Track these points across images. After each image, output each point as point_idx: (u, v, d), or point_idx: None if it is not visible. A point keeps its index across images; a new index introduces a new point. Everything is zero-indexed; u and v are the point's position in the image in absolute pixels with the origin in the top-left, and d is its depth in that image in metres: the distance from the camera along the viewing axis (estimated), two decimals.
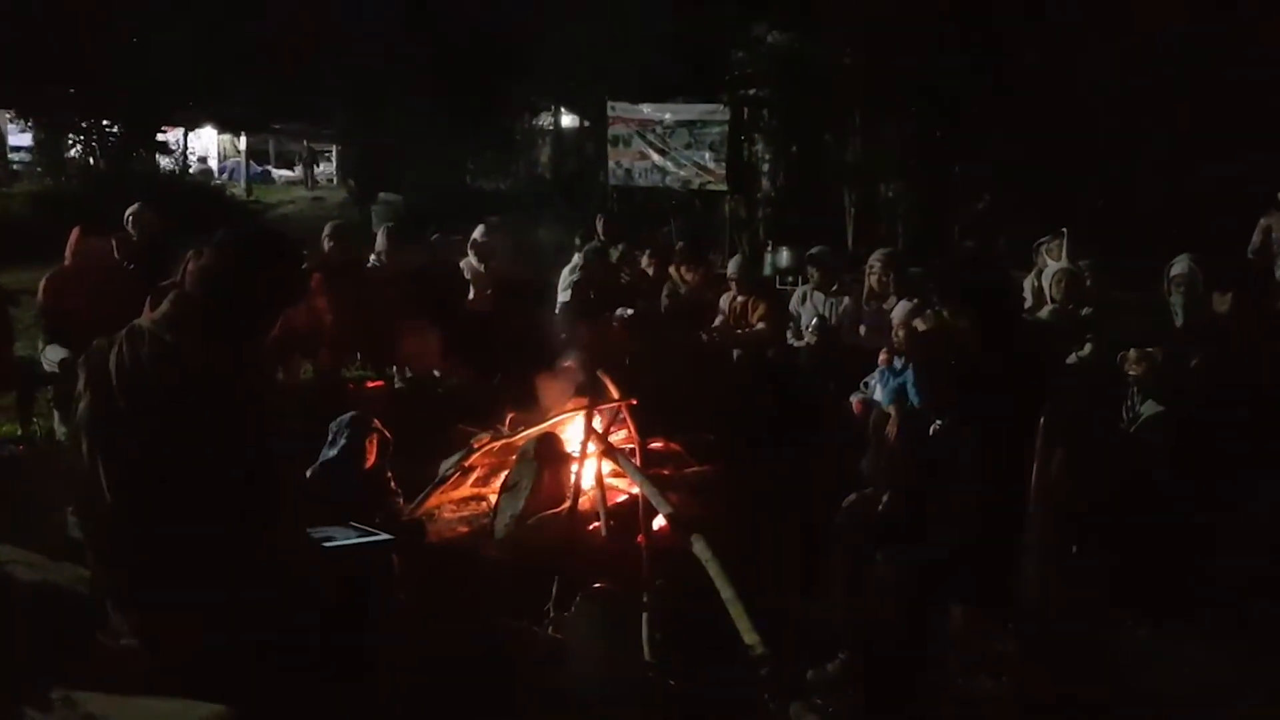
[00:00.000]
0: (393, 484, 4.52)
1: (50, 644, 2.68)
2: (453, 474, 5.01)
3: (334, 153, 32.44)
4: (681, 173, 14.01)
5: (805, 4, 16.20)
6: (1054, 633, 3.48)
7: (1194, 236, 6.85)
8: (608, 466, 4.74)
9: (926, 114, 15.28)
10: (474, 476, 5.12)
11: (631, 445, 5.03)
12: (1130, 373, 4.66)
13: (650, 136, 14.05)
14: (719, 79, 17.40)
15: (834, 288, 7.22)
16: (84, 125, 21.47)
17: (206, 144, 33.11)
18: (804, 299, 7.29)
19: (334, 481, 4.13)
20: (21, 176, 22.99)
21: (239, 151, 32.00)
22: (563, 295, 8.29)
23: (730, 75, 17.59)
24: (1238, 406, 4.19)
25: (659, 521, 4.28)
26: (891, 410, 5.18)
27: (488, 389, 6.54)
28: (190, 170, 27.08)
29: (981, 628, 3.56)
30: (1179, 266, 5.55)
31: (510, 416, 5.41)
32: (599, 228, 9.80)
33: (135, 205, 7.37)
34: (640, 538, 4.22)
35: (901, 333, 5.55)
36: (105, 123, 21.60)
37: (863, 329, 6.79)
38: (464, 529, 4.71)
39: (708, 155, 13.79)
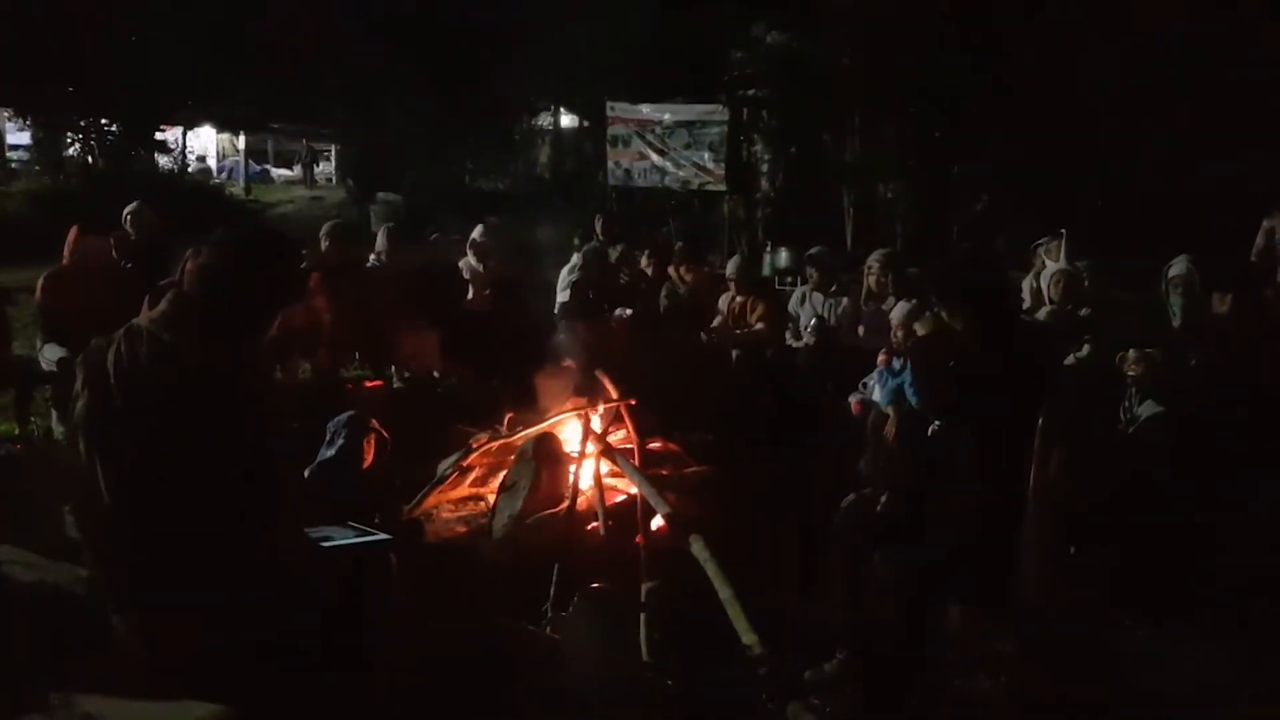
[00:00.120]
0: (391, 484, 4.52)
1: (48, 644, 2.68)
2: (451, 474, 5.00)
3: (333, 152, 32.47)
4: (680, 173, 14.01)
5: (805, 4, 16.21)
6: (1053, 633, 3.48)
7: (1194, 236, 6.86)
8: (606, 466, 4.74)
9: (926, 114, 15.28)
10: (472, 476, 5.12)
11: (630, 445, 5.04)
12: (1129, 373, 4.66)
13: (649, 137, 14.05)
14: (718, 79, 17.42)
15: (833, 288, 7.22)
16: (82, 124, 21.40)
17: (205, 143, 33.10)
18: (803, 299, 7.29)
19: (332, 481, 4.12)
20: (20, 175, 22.92)
21: (238, 151, 31.99)
22: (561, 295, 8.29)
23: (729, 75, 17.61)
24: (1237, 406, 4.19)
25: (657, 521, 4.28)
26: (890, 411, 5.18)
27: (486, 389, 6.54)
28: (189, 169, 27.01)
29: (980, 628, 3.56)
30: (1177, 267, 5.56)
31: (509, 416, 5.41)
32: (598, 228, 9.81)
33: (134, 204, 7.38)
34: (639, 538, 4.22)
35: (900, 333, 5.55)
36: (104, 121, 21.54)
37: (861, 329, 6.79)
38: (462, 529, 4.71)
39: (707, 155, 13.78)
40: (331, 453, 4.23)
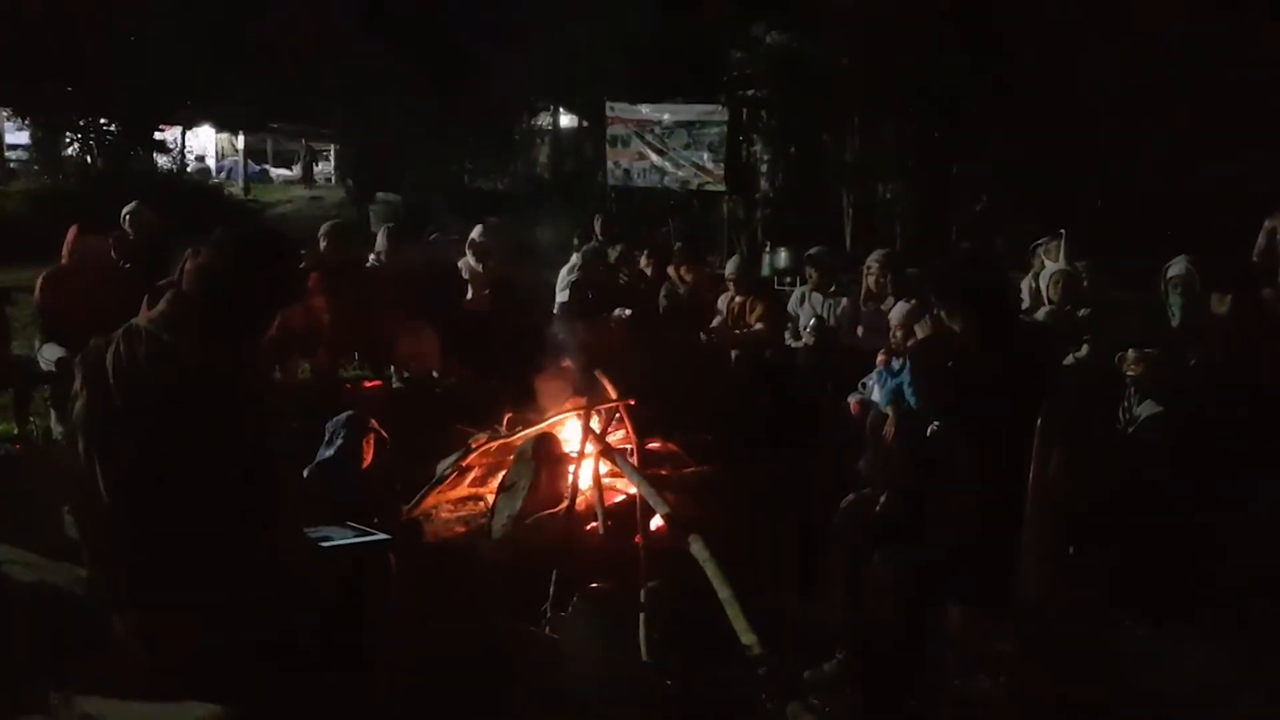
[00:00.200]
0: (390, 484, 4.52)
1: (48, 644, 2.68)
2: (450, 474, 5.01)
3: (332, 152, 32.44)
4: (680, 173, 14.00)
5: (804, 4, 16.20)
6: (1053, 633, 3.47)
7: (1194, 236, 6.85)
8: (605, 467, 4.74)
9: (925, 114, 15.27)
10: (471, 476, 5.12)
11: (629, 445, 5.04)
12: (1129, 373, 4.66)
13: (649, 137, 14.04)
14: (717, 79, 17.40)
15: (832, 288, 7.21)
16: (81, 123, 21.39)
17: (204, 143, 33.06)
18: (802, 299, 7.29)
19: (331, 481, 4.12)
20: (19, 175, 22.92)
21: (237, 150, 31.94)
22: (561, 295, 8.29)
23: (729, 75, 17.59)
24: (1237, 406, 4.19)
25: (656, 522, 4.28)
26: (889, 411, 5.18)
27: (485, 389, 6.54)
28: (188, 169, 27.01)
29: (980, 628, 3.55)
30: (1176, 267, 5.56)
31: (508, 416, 5.42)
32: (597, 228, 9.80)
33: (133, 204, 7.37)
34: (638, 538, 4.22)
35: (899, 333, 5.55)
36: (103, 121, 21.52)
37: (860, 330, 6.79)
38: (461, 529, 4.72)
39: (706, 155, 13.78)
40: (330, 453, 4.23)
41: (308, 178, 31.99)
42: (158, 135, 24.10)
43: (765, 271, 12.87)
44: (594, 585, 3.66)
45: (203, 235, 2.66)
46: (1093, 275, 6.64)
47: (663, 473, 4.94)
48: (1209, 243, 6.89)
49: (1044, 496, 3.12)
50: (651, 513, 4.27)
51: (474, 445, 5.15)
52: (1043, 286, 6.54)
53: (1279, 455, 3.97)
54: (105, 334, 2.55)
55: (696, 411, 5.90)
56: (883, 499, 3.71)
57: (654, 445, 5.23)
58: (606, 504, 4.52)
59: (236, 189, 28.20)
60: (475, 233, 8.28)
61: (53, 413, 5.92)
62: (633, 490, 4.49)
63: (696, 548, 3.83)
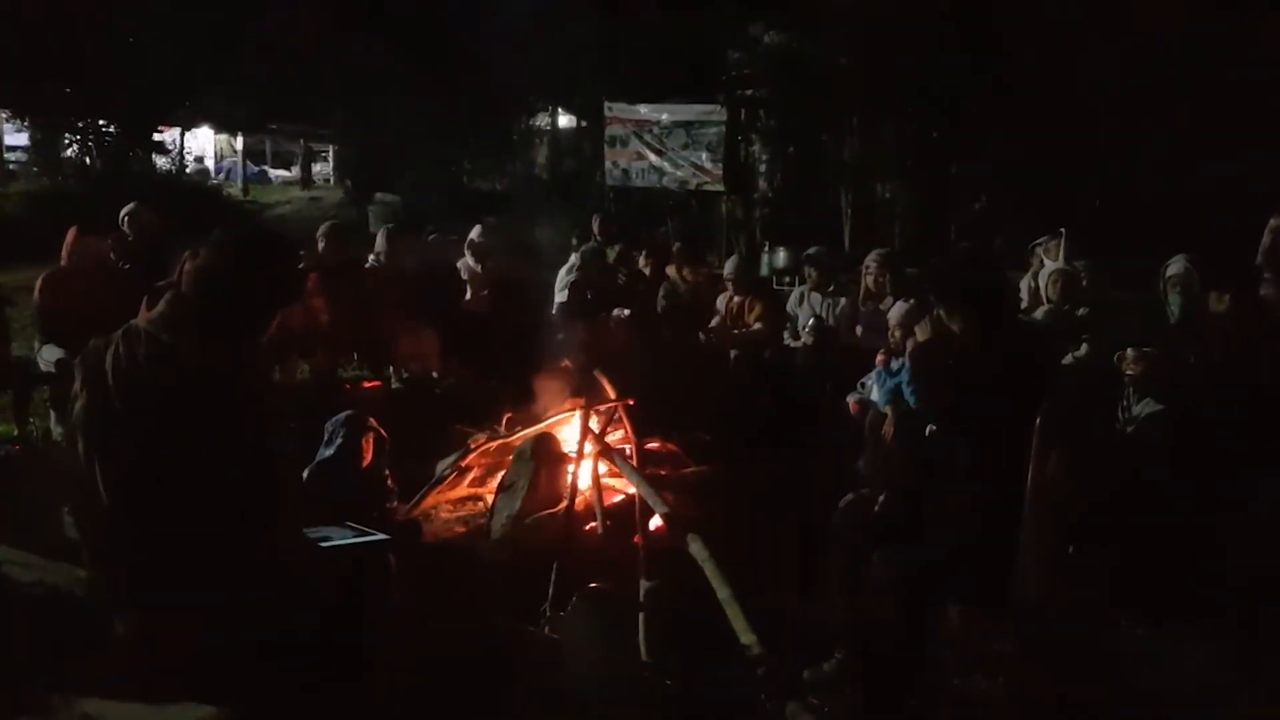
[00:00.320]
0: (390, 483, 4.52)
1: (48, 644, 2.68)
2: (449, 474, 5.01)
3: (331, 153, 32.44)
4: (678, 173, 14.01)
5: (803, 4, 16.19)
6: (1053, 633, 3.47)
7: (1194, 236, 6.85)
8: (604, 467, 4.73)
9: (925, 114, 15.26)
10: (471, 476, 5.12)
11: (628, 445, 5.04)
12: (1128, 372, 4.66)
13: (647, 137, 14.05)
14: (716, 79, 17.39)
15: (831, 288, 7.22)
16: (80, 124, 21.38)
17: (203, 144, 33.06)
18: (801, 299, 7.29)
19: (331, 481, 4.12)
20: (18, 176, 22.92)
21: (236, 151, 31.98)
22: (560, 295, 8.29)
23: (727, 75, 17.57)
24: (1236, 406, 4.19)
25: (655, 521, 4.28)
26: (888, 410, 5.18)
27: (484, 389, 6.54)
28: (187, 170, 26.99)
29: (980, 628, 3.56)
30: (1175, 267, 5.55)
31: (507, 416, 5.42)
32: (596, 228, 9.80)
33: (131, 205, 7.36)
34: (637, 538, 4.21)
35: (898, 333, 5.55)
36: (102, 122, 21.51)
37: (859, 329, 6.79)
38: (461, 529, 4.72)
39: (705, 155, 13.79)
40: (330, 452, 4.23)
41: (306, 178, 31.99)
42: (156, 136, 24.10)
43: (764, 271, 12.86)
44: (593, 585, 3.65)
45: (202, 236, 2.67)
46: (1092, 274, 6.64)
47: (662, 473, 4.94)
48: (1209, 243, 6.88)
49: (1043, 496, 3.12)
50: (650, 513, 4.26)
51: (473, 445, 5.15)
52: (1042, 286, 6.54)
53: (1279, 455, 3.97)
54: (105, 335, 2.55)
55: (695, 411, 5.91)
56: (882, 499, 3.71)
57: (653, 445, 5.24)
58: (605, 504, 4.52)
59: (235, 190, 28.22)
60: (474, 233, 8.29)
61: (52, 414, 5.92)
62: (632, 490, 4.48)
63: (695, 548, 3.83)
